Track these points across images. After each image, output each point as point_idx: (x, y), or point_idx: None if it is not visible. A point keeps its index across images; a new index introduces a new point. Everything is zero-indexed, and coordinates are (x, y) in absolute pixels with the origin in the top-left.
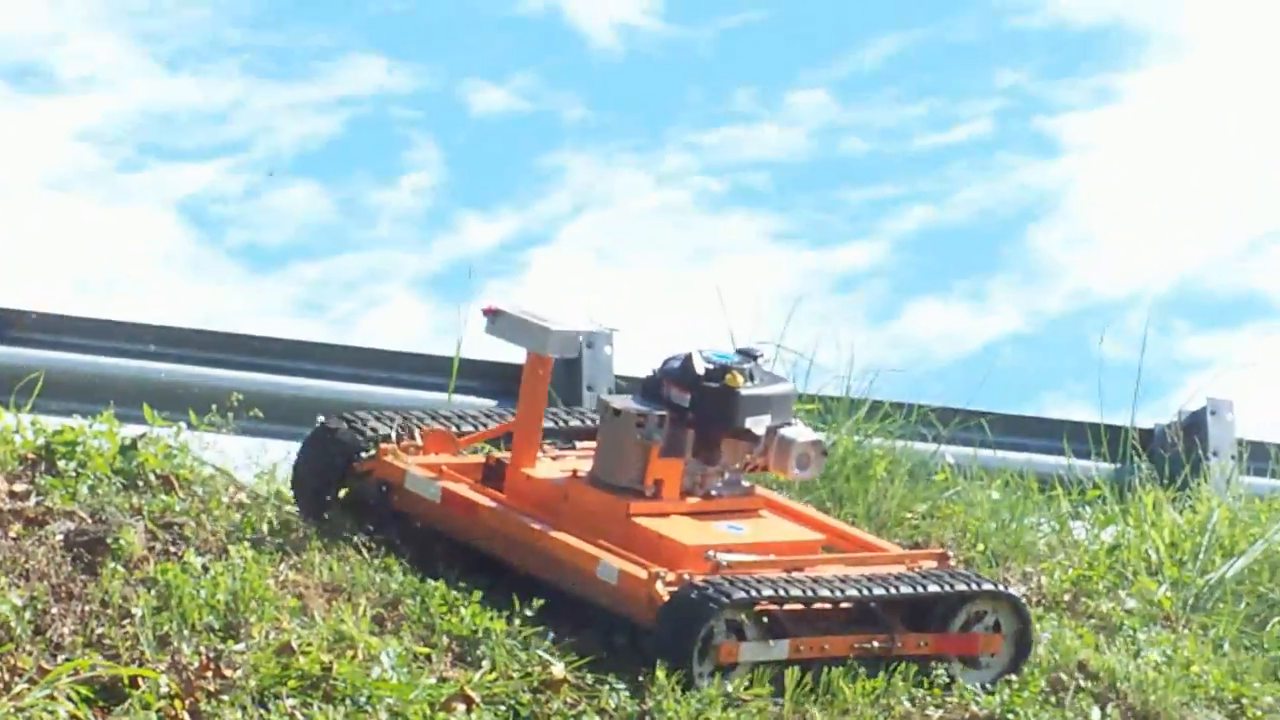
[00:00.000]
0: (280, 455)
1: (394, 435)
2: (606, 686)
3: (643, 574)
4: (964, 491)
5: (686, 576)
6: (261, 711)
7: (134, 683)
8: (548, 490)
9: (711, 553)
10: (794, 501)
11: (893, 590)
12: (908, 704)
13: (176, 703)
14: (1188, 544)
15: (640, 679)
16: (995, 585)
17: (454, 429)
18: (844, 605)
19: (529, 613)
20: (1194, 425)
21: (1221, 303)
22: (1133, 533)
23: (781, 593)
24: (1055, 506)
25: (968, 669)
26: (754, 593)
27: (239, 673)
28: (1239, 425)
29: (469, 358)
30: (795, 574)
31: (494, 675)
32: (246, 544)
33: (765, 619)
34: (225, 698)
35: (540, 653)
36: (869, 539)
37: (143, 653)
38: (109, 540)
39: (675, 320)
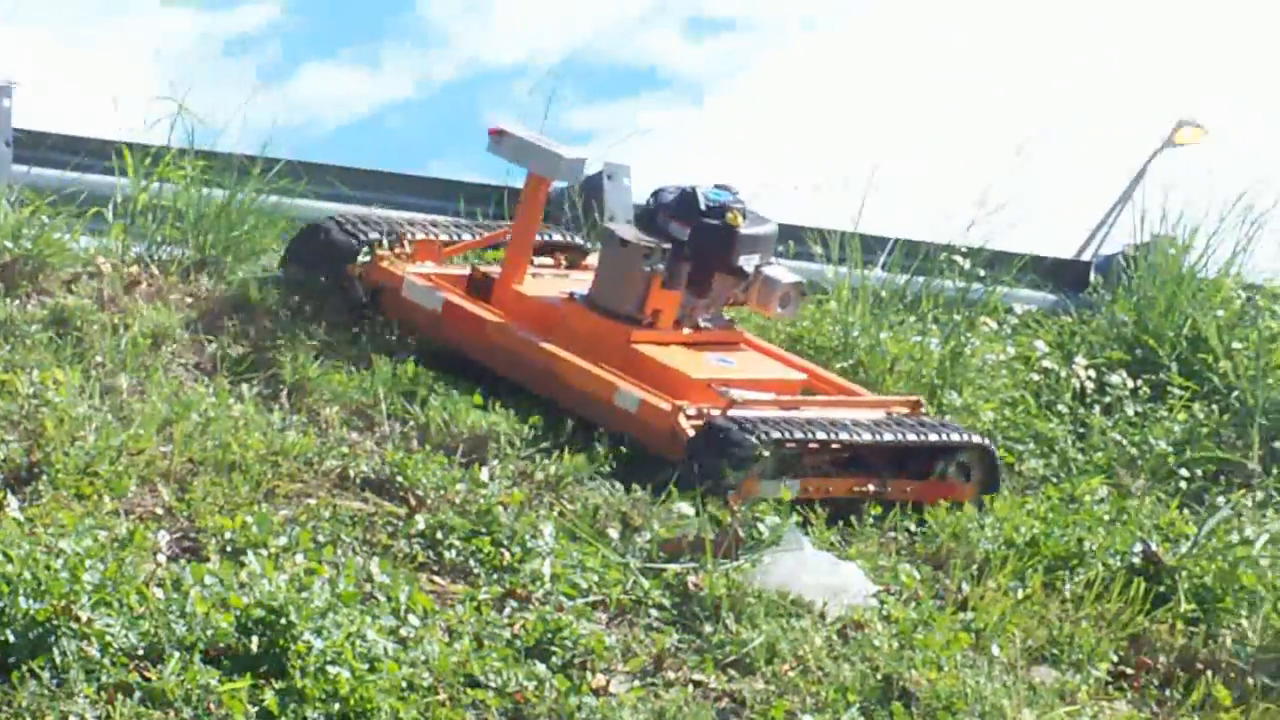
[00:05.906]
0: None
1: (384, 241)
2: None
3: (665, 406)
4: None
5: (709, 412)
6: None
7: None
8: (543, 309)
9: (724, 388)
10: (757, 336)
11: (901, 437)
12: None
13: None
14: None
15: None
16: (968, 435)
17: (438, 238)
18: (835, 448)
19: None
20: (592, 189)
21: (614, 73)
22: None
23: (803, 435)
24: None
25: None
26: (782, 434)
27: None
28: (635, 189)
29: None
30: (796, 413)
31: None
32: None
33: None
34: None
35: None
36: (843, 383)
37: None
38: None
39: (85, 73)
